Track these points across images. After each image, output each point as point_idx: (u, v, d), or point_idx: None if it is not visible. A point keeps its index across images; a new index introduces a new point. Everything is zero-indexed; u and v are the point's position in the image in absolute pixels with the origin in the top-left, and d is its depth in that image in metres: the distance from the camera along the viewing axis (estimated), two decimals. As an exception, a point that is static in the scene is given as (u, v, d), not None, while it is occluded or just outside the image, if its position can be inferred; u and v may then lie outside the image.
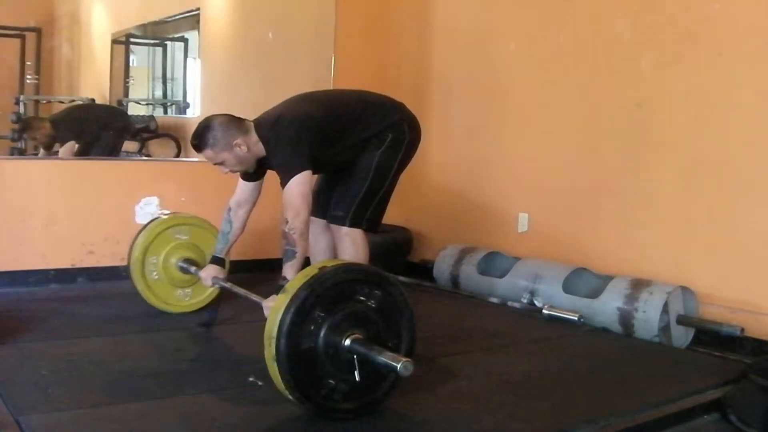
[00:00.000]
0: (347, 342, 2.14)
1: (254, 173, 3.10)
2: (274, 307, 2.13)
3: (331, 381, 2.15)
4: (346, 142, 3.01)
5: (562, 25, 4.05)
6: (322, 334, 2.14)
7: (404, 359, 2.07)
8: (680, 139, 3.50)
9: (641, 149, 3.66)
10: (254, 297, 2.91)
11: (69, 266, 4.08)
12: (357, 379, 2.14)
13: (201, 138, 2.91)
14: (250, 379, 2.56)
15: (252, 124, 2.97)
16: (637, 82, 3.67)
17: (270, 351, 2.10)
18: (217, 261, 3.20)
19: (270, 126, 2.93)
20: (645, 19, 3.64)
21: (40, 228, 4.00)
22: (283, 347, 2.07)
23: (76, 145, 4.64)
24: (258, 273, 3.71)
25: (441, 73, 4.83)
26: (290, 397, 2.12)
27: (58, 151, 4.64)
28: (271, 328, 2.11)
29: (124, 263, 4.17)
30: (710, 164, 3.38)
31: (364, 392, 2.21)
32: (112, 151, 4.84)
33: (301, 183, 2.80)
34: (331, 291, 2.15)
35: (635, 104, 3.67)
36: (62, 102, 4.92)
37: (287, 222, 2.78)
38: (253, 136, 2.93)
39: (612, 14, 3.78)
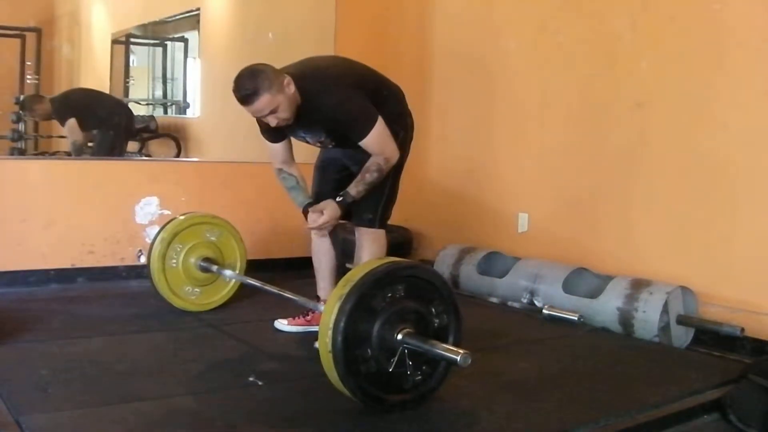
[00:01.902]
0: (399, 336, 2.21)
1: (280, 133, 3.01)
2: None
3: (368, 351, 2.19)
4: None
5: (562, 25, 4.05)
6: (383, 317, 2.21)
7: (463, 351, 2.13)
8: (680, 138, 3.50)
9: (641, 149, 3.66)
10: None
11: (69, 266, 4.08)
12: (390, 369, 2.21)
13: (256, 83, 2.70)
14: (251, 379, 2.57)
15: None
16: (637, 82, 3.67)
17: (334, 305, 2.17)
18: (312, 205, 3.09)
19: (320, 81, 2.84)
20: (645, 19, 3.64)
21: (40, 228, 3.99)
22: (351, 304, 2.15)
23: (77, 121, 4.62)
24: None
25: (441, 72, 4.84)
26: (329, 347, 2.14)
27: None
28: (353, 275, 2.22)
29: (125, 263, 4.20)
30: (710, 164, 3.38)
31: (386, 384, 2.24)
32: (118, 137, 4.82)
33: (385, 127, 2.82)
34: (412, 281, 2.27)
35: (635, 104, 3.68)
36: (82, 88, 4.93)
37: (387, 159, 2.83)
38: (291, 79, 2.79)
39: (612, 14, 3.79)
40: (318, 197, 3.12)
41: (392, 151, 2.85)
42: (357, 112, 2.81)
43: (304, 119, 2.85)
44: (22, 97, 4.59)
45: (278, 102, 2.73)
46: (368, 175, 2.83)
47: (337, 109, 2.80)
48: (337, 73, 2.91)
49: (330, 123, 2.86)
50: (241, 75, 2.75)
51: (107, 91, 5.10)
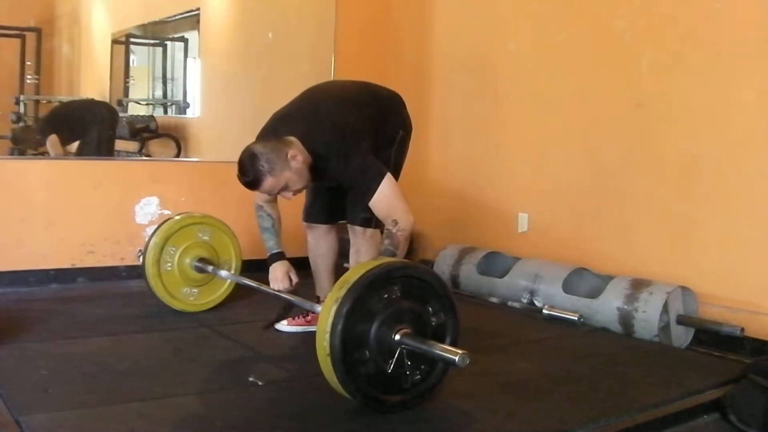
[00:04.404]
0: (397, 336, 2.20)
1: None
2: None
3: (367, 353, 2.19)
4: (373, 145, 2.86)
5: (562, 25, 4.05)
6: (380, 319, 2.20)
7: (461, 351, 2.12)
8: (680, 139, 3.50)
9: (641, 149, 3.66)
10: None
11: (69, 266, 4.08)
12: (389, 370, 2.20)
13: (254, 169, 2.59)
14: (251, 379, 2.57)
15: (291, 137, 2.70)
16: (637, 82, 3.67)
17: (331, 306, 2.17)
18: (281, 256, 2.99)
19: (326, 140, 2.70)
20: (645, 19, 3.64)
21: (40, 228, 3.99)
22: (348, 306, 2.14)
23: (57, 137, 4.64)
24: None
25: (441, 73, 4.84)
26: (327, 350, 2.14)
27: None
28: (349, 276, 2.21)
29: (125, 263, 4.20)
30: (710, 164, 3.38)
31: (386, 385, 2.24)
32: (102, 142, 4.82)
33: (392, 184, 2.66)
34: (408, 281, 2.26)
35: (635, 104, 3.68)
36: (62, 102, 4.92)
37: (396, 223, 2.60)
38: (299, 145, 2.69)
39: (612, 14, 3.78)
40: (309, 210, 3.18)
41: (403, 212, 2.62)
42: (360, 174, 2.67)
43: (319, 176, 2.78)
44: (12, 130, 4.60)
45: (285, 179, 2.65)
46: (381, 249, 2.61)
47: (344, 172, 2.69)
48: (340, 121, 2.75)
49: (341, 181, 2.80)
50: (241, 160, 2.65)
51: (107, 93, 5.10)
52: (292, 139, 2.70)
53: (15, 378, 2.48)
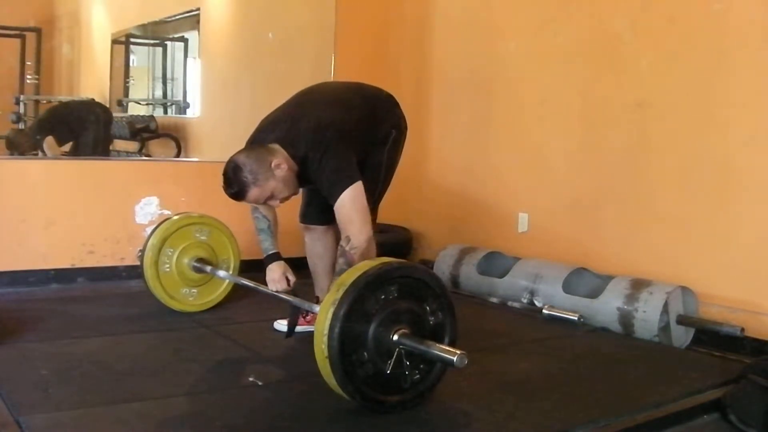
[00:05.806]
0: (395, 336, 2.20)
1: None
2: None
3: (365, 354, 2.19)
4: (361, 147, 2.87)
5: (562, 25, 4.05)
6: (378, 319, 2.20)
7: (459, 352, 2.12)
8: (680, 138, 3.50)
9: (641, 149, 3.67)
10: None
11: (69, 266, 4.08)
12: (387, 371, 2.20)
13: (238, 181, 2.61)
14: (250, 379, 2.57)
15: (275, 145, 2.71)
16: (637, 82, 3.67)
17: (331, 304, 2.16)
18: (277, 256, 2.97)
19: (307, 141, 2.69)
20: (645, 19, 3.64)
21: (40, 228, 4.00)
22: (346, 306, 2.14)
23: (53, 139, 4.65)
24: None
25: (441, 73, 4.84)
26: (325, 353, 2.13)
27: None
28: (346, 278, 2.21)
29: (125, 263, 4.20)
30: (710, 164, 3.38)
31: (385, 385, 2.24)
32: (98, 142, 4.83)
33: (358, 195, 2.61)
34: (404, 282, 2.25)
35: (635, 104, 3.68)
36: (58, 103, 4.93)
37: (349, 240, 2.58)
38: (283, 153, 2.70)
39: (612, 14, 3.79)
40: (305, 211, 3.17)
41: (358, 228, 2.58)
42: (328, 175, 2.66)
43: (305, 180, 2.80)
44: (7, 134, 4.59)
45: (270, 188, 2.66)
46: (336, 270, 2.62)
47: (317, 173, 2.70)
48: (322, 124, 2.72)
49: (316, 183, 2.79)
50: (225, 171, 2.65)
51: (107, 93, 5.10)
52: (276, 147, 2.71)
53: (15, 378, 2.48)
